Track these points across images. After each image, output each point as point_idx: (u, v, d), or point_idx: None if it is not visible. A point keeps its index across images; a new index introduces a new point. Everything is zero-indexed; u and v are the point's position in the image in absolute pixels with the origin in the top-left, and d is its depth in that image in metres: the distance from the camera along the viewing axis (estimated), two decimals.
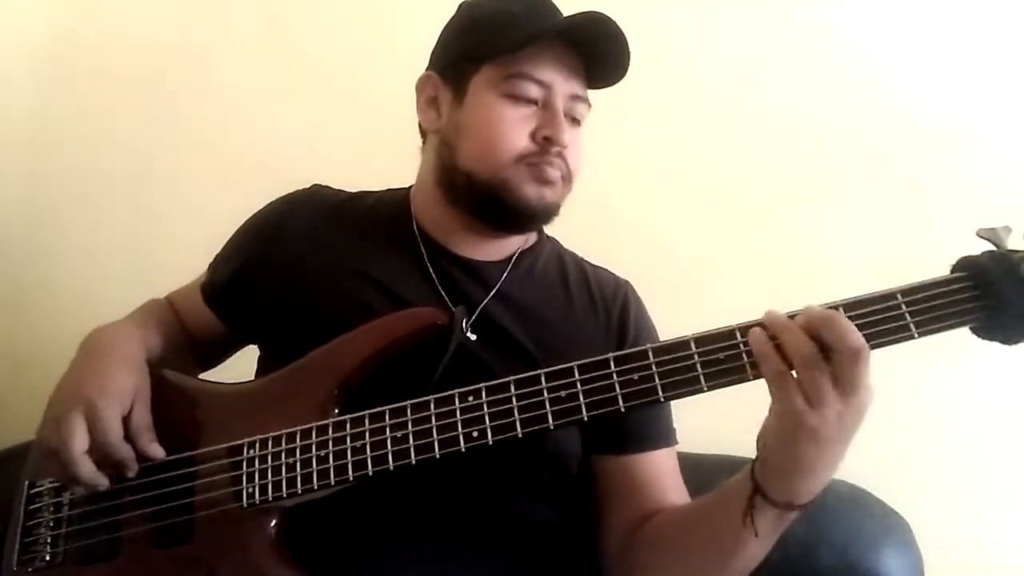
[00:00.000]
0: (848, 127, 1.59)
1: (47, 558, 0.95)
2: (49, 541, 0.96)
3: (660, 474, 1.00)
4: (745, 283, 1.53)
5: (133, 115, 1.74)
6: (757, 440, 0.77)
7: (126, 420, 0.93)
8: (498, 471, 0.93)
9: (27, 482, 1.01)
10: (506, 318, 1.01)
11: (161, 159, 1.73)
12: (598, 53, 1.00)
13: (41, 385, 0.98)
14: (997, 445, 1.49)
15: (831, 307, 0.76)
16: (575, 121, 1.03)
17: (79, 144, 1.76)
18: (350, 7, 1.71)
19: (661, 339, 1.07)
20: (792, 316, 0.76)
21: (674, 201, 1.62)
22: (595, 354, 0.83)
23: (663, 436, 1.02)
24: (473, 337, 0.99)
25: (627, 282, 1.14)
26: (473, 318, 1.00)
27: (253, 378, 1.03)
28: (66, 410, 0.91)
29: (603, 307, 1.08)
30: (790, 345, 0.73)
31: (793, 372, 0.74)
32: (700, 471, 1.04)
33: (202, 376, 1.07)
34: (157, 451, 0.93)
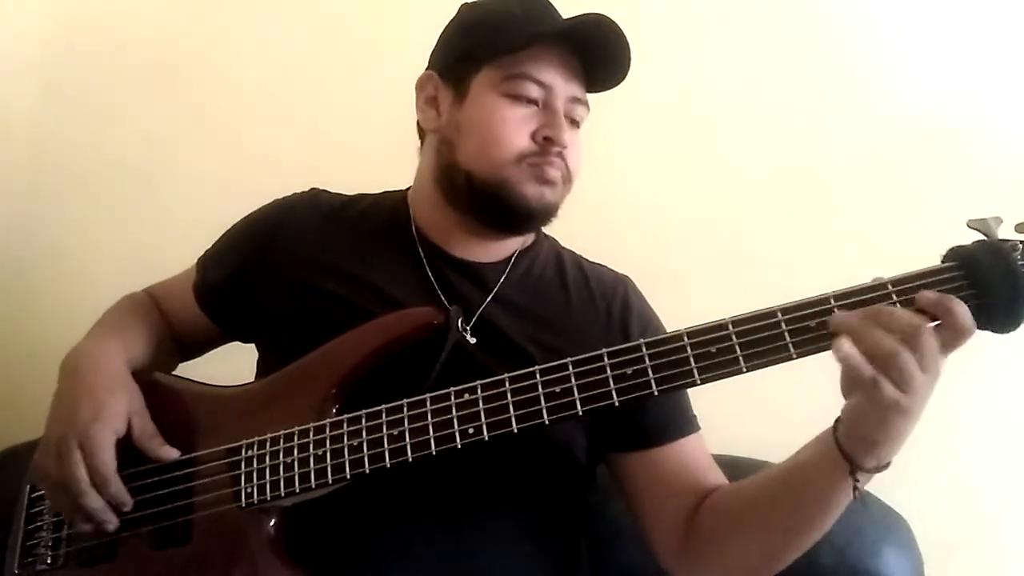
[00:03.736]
0: (846, 124, 1.59)
1: (48, 561, 0.96)
2: (50, 544, 0.96)
3: (696, 458, 1.01)
4: (744, 280, 1.53)
5: (132, 116, 1.76)
6: (841, 422, 0.78)
7: (129, 436, 0.94)
8: (498, 468, 0.93)
9: (28, 486, 1.01)
10: (505, 320, 1.01)
11: (161, 159, 1.74)
12: (599, 56, 1.00)
13: (42, 385, 0.98)
14: (997, 445, 1.49)
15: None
16: (574, 123, 1.03)
17: (78, 144, 1.77)
18: (348, 9, 1.72)
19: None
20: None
21: (672, 199, 1.62)
22: (596, 351, 0.83)
23: (688, 422, 1.03)
24: (473, 340, 0.98)
25: (626, 277, 1.13)
26: (472, 321, 1.00)
27: (254, 379, 1.04)
28: (64, 439, 0.92)
29: (603, 304, 1.07)
30: (876, 347, 0.72)
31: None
32: None
33: (203, 379, 1.06)
34: (170, 453, 0.94)
